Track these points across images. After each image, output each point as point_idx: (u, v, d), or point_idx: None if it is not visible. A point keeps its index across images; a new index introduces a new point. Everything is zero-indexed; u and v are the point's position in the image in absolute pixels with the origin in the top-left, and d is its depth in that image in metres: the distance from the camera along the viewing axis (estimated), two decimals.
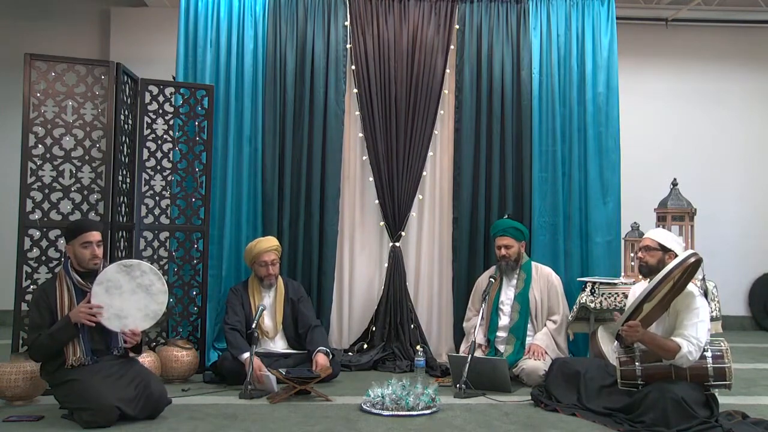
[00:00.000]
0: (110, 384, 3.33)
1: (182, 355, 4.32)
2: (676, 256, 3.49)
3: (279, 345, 4.51)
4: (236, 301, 4.47)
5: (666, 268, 3.34)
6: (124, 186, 4.38)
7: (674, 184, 4.97)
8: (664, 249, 3.61)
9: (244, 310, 4.44)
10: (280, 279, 4.61)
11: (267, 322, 4.50)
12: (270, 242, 4.58)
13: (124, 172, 4.39)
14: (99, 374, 3.35)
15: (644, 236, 3.79)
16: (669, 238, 3.68)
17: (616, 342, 3.64)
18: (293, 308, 4.56)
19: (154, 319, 3.56)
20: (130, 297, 3.46)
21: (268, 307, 4.52)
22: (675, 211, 4.83)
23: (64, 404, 3.44)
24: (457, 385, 3.96)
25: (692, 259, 3.34)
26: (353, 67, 5.10)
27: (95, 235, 3.48)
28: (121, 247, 4.35)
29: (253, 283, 4.57)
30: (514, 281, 4.62)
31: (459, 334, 4.94)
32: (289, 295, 4.59)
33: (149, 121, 4.58)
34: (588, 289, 4.61)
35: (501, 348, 4.49)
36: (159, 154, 4.61)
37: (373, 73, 5.08)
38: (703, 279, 4.34)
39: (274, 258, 4.53)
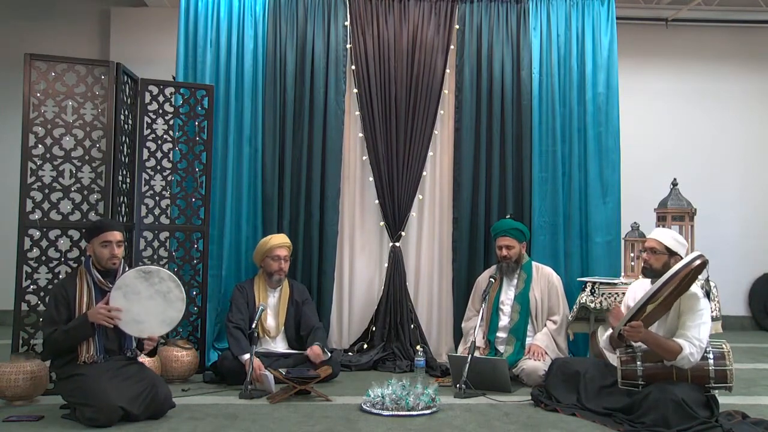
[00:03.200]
0: (116, 384, 3.34)
1: (182, 355, 4.32)
2: (681, 259, 3.47)
3: (279, 345, 4.51)
4: (241, 299, 4.47)
5: (672, 269, 3.32)
6: (124, 186, 4.37)
7: (674, 184, 4.97)
8: (671, 252, 3.57)
9: (249, 309, 4.44)
10: (285, 280, 4.62)
11: (269, 321, 4.51)
12: (284, 238, 4.64)
13: (124, 172, 4.39)
14: (107, 373, 3.37)
15: (649, 236, 3.73)
16: (675, 241, 3.62)
17: (606, 335, 3.63)
18: (297, 310, 4.57)
19: (171, 326, 3.59)
20: (147, 303, 3.48)
21: (272, 306, 4.53)
22: (675, 211, 4.83)
23: (68, 399, 3.44)
24: (457, 385, 3.96)
25: (698, 261, 3.33)
26: (353, 67, 5.10)
27: (116, 235, 3.52)
28: None
29: (259, 281, 4.58)
30: (515, 281, 4.62)
31: (459, 334, 4.93)
32: (294, 296, 4.60)
33: (149, 121, 4.58)
34: (588, 289, 4.61)
35: (501, 348, 4.49)
36: (159, 154, 4.61)
37: (373, 73, 5.08)
38: (707, 280, 4.34)
39: (286, 254, 4.56)
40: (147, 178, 4.58)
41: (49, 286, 3.94)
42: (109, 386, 3.30)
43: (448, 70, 5.16)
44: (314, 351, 4.29)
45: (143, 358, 3.73)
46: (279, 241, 4.56)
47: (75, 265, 3.96)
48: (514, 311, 4.54)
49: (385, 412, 3.53)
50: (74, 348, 3.41)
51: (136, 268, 3.56)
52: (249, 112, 4.98)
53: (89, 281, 3.50)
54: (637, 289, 3.75)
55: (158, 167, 4.61)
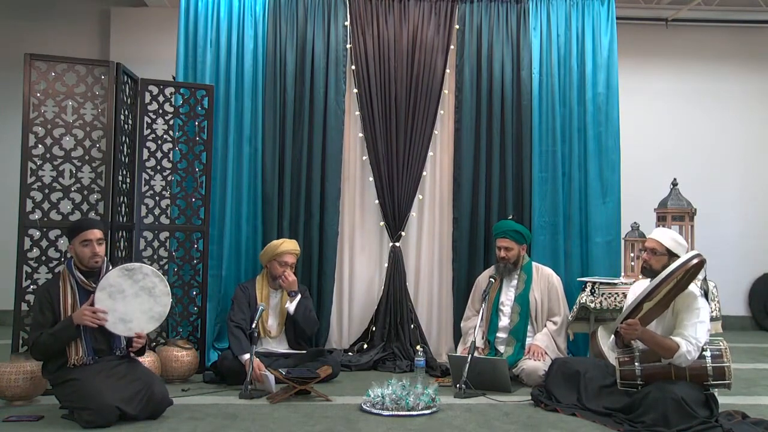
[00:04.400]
0: (111, 384, 3.33)
1: (182, 355, 4.32)
2: None
3: (280, 345, 4.52)
4: (243, 298, 4.47)
5: (669, 268, 3.33)
6: (124, 186, 4.38)
7: (674, 184, 4.97)
8: (670, 254, 3.56)
9: (250, 309, 4.44)
10: None
11: (271, 321, 4.51)
12: (295, 245, 4.62)
13: (124, 172, 4.39)
14: (100, 374, 3.35)
15: (650, 237, 3.72)
16: (675, 242, 3.62)
17: (611, 339, 3.63)
18: None
19: (159, 321, 3.57)
20: (133, 300, 3.46)
21: (274, 306, 4.53)
22: (675, 211, 4.83)
23: (64, 404, 3.43)
24: (457, 385, 3.96)
25: (695, 261, 3.33)
26: (353, 67, 5.10)
27: (95, 233, 3.49)
28: (121, 247, 4.34)
29: (262, 282, 4.57)
30: (515, 282, 4.62)
31: (459, 334, 4.93)
32: None
33: (149, 121, 4.58)
34: (588, 289, 4.61)
35: (501, 349, 4.48)
36: (159, 154, 4.61)
37: (373, 73, 5.08)
38: (704, 279, 4.34)
39: (293, 262, 4.56)
40: (147, 178, 4.58)
41: None
42: (103, 387, 3.29)
43: (448, 70, 5.16)
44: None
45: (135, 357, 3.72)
46: (290, 247, 4.54)
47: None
48: (514, 312, 4.53)
49: (385, 412, 3.53)
50: (62, 351, 3.38)
51: (118, 266, 3.53)
52: (249, 112, 4.98)
53: (72, 283, 3.47)
54: (637, 290, 3.74)
55: (158, 167, 4.61)
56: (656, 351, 3.40)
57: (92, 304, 3.39)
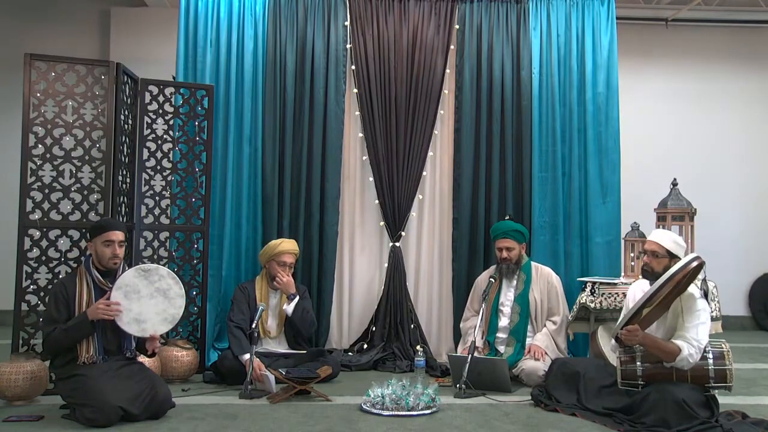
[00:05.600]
0: (116, 384, 3.34)
1: (182, 355, 4.32)
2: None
3: (279, 345, 4.52)
4: (243, 299, 4.47)
5: (668, 272, 3.32)
6: (124, 186, 4.37)
7: (674, 184, 4.97)
8: (671, 255, 3.56)
9: (250, 309, 4.44)
10: None
11: (270, 321, 4.51)
12: (294, 245, 4.61)
13: (124, 172, 4.39)
14: (106, 374, 3.37)
15: (650, 239, 3.70)
16: (675, 243, 3.61)
17: (612, 341, 3.63)
18: None
19: (173, 323, 3.60)
20: (148, 301, 3.49)
21: (273, 307, 4.53)
22: (675, 211, 4.83)
23: (67, 399, 3.45)
24: (457, 385, 3.96)
25: (695, 263, 3.33)
26: (353, 67, 5.11)
27: (118, 235, 3.52)
28: None
29: (261, 282, 4.57)
30: (514, 282, 4.62)
31: (459, 334, 4.93)
32: None
33: (149, 121, 4.58)
34: (588, 289, 4.61)
35: (501, 349, 4.48)
36: (159, 154, 4.61)
37: (373, 73, 5.08)
38: (704, 280, 4.33)
39: (292, 261, 4.55)
40: (147, 178, 4.58)
41: (49, 286, 3.94)
42: (108, 386, 3.30)
43: (448, 70, 5.16)
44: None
45: (143, 359, 3.73)
46: (288, 247, 4.54)
47: (75, 265, 3.96)
48: (514, 312, 4.53)
49: (385, 412, 3.53)
50: (73, 347, 3.41)
51: (134, 267, 3.56)
52: (249, 112, 4.98)
53: (89, 280, 3.51)
54: (636, 290, 3.74)
55: (158, 167, 4.61)
56: (658, 355, 3.39)
57: (108, 299, 3.41)
